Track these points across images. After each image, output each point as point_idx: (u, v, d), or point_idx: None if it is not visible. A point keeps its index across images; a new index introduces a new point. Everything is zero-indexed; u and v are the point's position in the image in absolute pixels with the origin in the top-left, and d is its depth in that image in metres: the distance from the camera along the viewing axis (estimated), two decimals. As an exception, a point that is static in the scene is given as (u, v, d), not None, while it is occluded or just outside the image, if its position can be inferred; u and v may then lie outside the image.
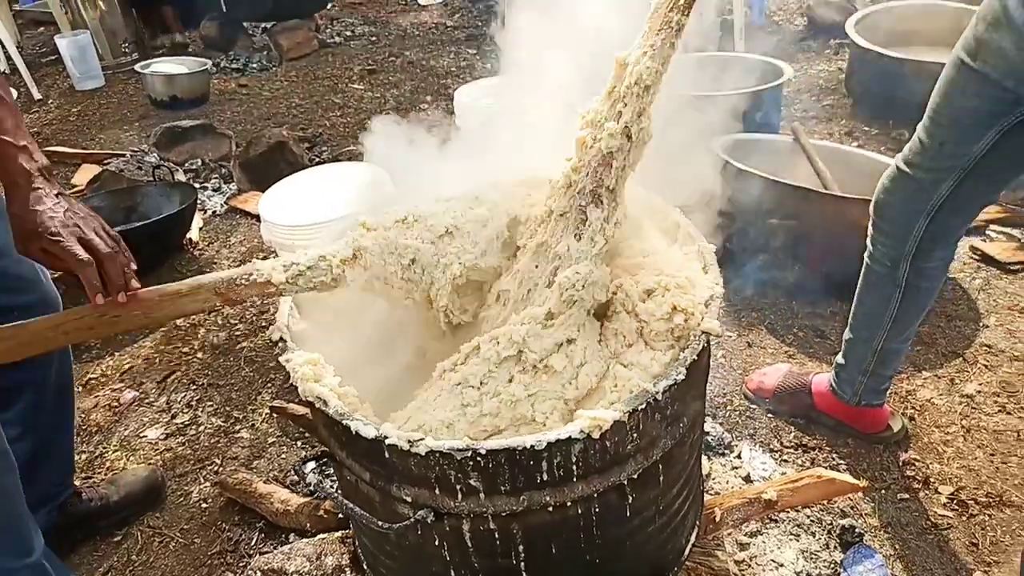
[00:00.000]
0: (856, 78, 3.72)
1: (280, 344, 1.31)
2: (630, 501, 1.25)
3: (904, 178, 1.55)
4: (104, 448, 2.18)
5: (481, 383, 1.25)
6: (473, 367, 1.28)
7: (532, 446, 1.09)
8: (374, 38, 5.51)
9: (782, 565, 1.66)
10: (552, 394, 1.23)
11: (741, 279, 2.53)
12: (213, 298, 1.25)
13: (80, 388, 2.41)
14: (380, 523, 1.21)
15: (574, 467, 1.15)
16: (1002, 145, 1.40)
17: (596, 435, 1.10)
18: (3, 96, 1.18)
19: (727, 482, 1.85)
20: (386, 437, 1.12)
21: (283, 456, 2.08)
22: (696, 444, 1.43)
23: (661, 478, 1.29)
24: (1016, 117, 1.35)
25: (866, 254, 1.72)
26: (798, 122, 3.12)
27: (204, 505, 1.97)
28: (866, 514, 1.78)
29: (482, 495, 1.15)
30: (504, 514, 1.18)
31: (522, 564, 1.25)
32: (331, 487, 1.80)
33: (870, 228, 1.68)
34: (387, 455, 1.15)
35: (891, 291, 1.68)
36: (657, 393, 1.14)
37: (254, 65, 5.20)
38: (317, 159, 3.72)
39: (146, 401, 2.35)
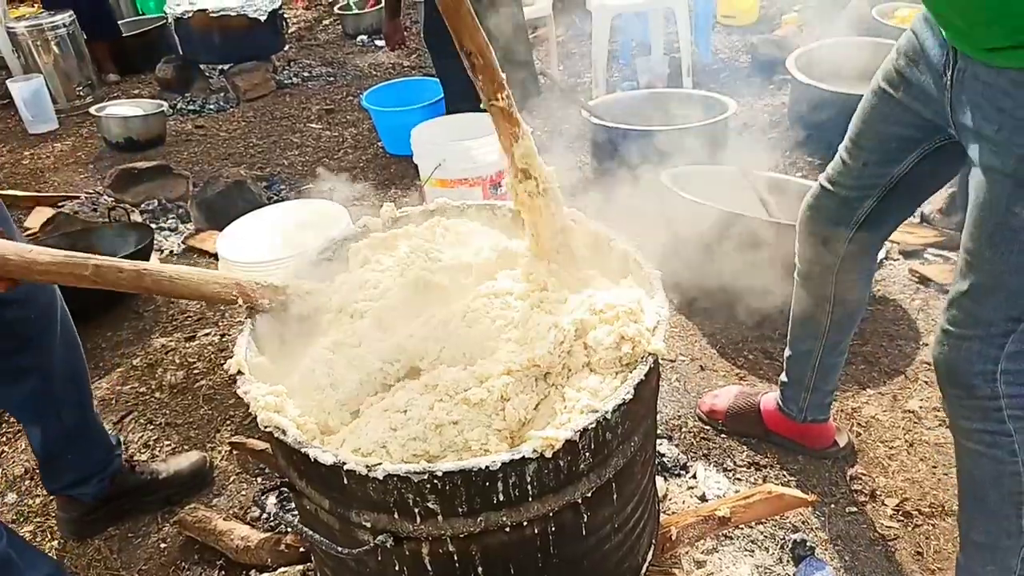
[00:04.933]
0: (798, 111, 3.87)
1: (239, 377, 1.33)
2: (585, 519, 1.29)
3: (827, 196, 1.64)
4: (59, 491, 2.14)
5: (406, 409, 1.27)
6: (398, 396, 1.31)
7: (487, 467, 1.12)
8: (331, 78, 5.57)
9: (738, 581, 1.71)
10: (479, 422, 1.24)
11: (691, 305, 2.60)
12: (235, 289, 1.40)
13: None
14: (340, 549, 1.23)
15: (529, 487, 1.18)
16: (921, 167, 1.49)
17: (549, 454, 1.14)
18: None
19: (683, 502, 1.90)
20: (344, 463, 1.15)
21: (243, 492, 2.07)
22: (648, 462, 1.48)
23: (615, 496, 1.33)
24: (935, 142, 1.44)
25: (795, 272, 1.80)
26: (744, 153, 3.25)
27: (163, 545, 1.94)
28: (816, 528, 1.84)
29: (440, 517, 1.18)
30: (462, 536, 1.21)
31: (481, 586, 1.28)
32: (292, 519, 1.81)
33: (796, 245, 1.76)
34: (345, 481, 1.17)
35: (822, 305, 1.77)
36: (607, 412, 1.19)
37: (211, 106, 5.22)
38: (275, 197, 3.74)
39: (102, 443, 2.32)
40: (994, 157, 1.21)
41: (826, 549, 1.78)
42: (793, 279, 1.82)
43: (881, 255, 2.88)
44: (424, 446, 1.22)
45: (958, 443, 1.42)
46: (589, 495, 1.26)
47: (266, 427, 1.23)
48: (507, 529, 1.21)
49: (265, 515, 1.95)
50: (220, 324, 2.86)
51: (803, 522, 1.85)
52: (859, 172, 1.56)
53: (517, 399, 1.26)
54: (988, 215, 1.24)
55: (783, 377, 1.96)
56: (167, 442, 2.30)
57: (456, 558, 1.24)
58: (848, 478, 1.96)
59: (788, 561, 1.75)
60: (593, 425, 1.17)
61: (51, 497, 2.05)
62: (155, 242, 3.34)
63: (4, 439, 2.38)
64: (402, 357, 1.40)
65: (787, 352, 1.92)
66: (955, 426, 1.41)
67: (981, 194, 1.25)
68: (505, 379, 1.27)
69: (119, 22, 6.25)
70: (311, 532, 1.30)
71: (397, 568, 1.27)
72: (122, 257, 2.95)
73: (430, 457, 1.22)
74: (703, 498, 1.91)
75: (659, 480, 1.93)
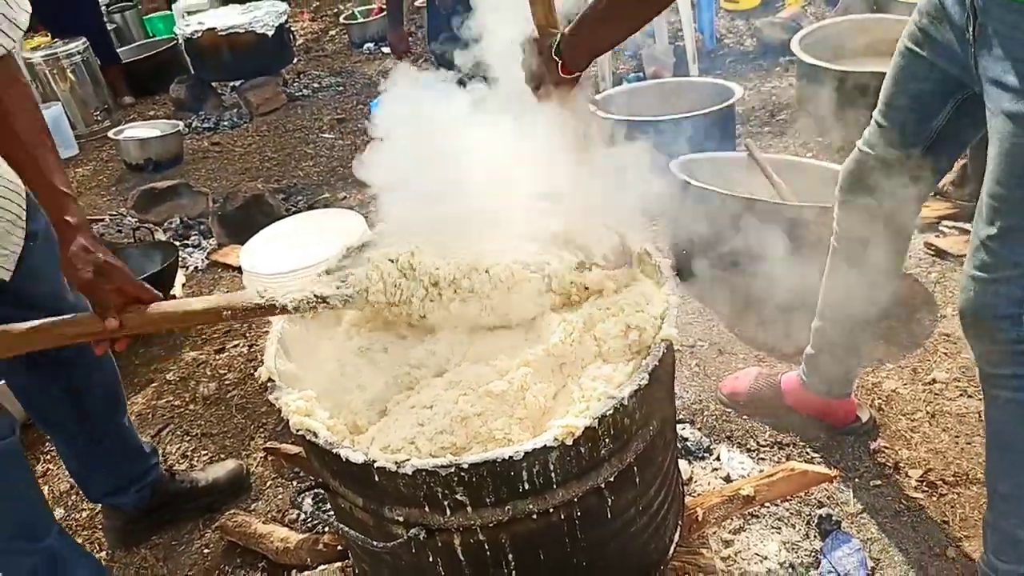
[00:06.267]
0: (805, 92, 3.87)
1: (269, 384, 1.38)
2: (610, 503, 1.33)
3: (868, 160, 1.65)
4: (103, 505, 2.22)
5: (432, 405, 1.32)
6: (424, 393, 1.36)
7: (511, 457, 1.17)
8: (341, 88, 5.64)
9: (766, 558, 1.74)
10: (501, 412, 1.28)
11: (707, 291, 2.63)
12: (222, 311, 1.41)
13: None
14: (375, 544, 1.28)
15: (552, 474, 1.22)
16: (957, 117, 1.52)
17: (569, 442, 1.18)
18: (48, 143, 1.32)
19: (708, 483, 1.93)
20: (374, 461, 1.20)
21: (280, 496, 2.14)
22: (669, 445, 1.51)
23: (637, 479, 1.36)
24: (967, 92, 1.46)
25: (833, 237, 1.80)
26: (752, 138, 3.26)
27: (206, 551, 2.01)
28: (842, 502, 1.86)
29: (469, 508, 1.22)
30: (491, 525, 1.25)
31: (513, 573, 1.32)
32: (328, 518, 1.87)
33: (836, 209, 1.77)
34: (376, 478, 1.22)
35: (858, 274, 1.75)
36: (623, 398, 1.23)
37: (225, 123, 5.31)
38: (293, 208, 3.81)
39: (142, 456, 2.40)
40: (1019, 104, 1.24)
41: (852, 523, 1.81)
42: (820, 255, 1.82)
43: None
44: (451, 439, 1.27)
45: (986, 393, 1.44)
46: (612, 479, 1.30)
47: (298, 431, 1.28)
48: (534, 516, 1.25)
49: (303, 516, 2.02)
50: (248, 336, 2.93)
51: (828, 497, 1.87)
52: (898, 133, 1.58)
53: (536, 387, 1.31)
54: (1017, 160, 1.26)
55: (809, 349, 1.97)
56: (204, 452, 2.37)
57: (487, 547, 1.28)
58: (871, 452, 1.98)
59: (815, 536, 1.78)
60: (611, 411, 1.21)
61: (97, 511, 2.13)
62: (180, 259, 3.42)
63: (48, 457, 2.46)
64: (429, 362, 1.46)
65: (816, 323, 1.92)
66: (983, 374, 1.43)
67: (1006, 141, 1.28)
68: (524, 370, 1.32)
69: (131, 45, 6.40)
70: (347, 529, 1.35)
71: (431, 560, 1.32)
72: (149, 275, 3.04)
73: (457, 449, 1.27)
74: (728, 479, 1.94)
75: (683, 463, 1.96)
